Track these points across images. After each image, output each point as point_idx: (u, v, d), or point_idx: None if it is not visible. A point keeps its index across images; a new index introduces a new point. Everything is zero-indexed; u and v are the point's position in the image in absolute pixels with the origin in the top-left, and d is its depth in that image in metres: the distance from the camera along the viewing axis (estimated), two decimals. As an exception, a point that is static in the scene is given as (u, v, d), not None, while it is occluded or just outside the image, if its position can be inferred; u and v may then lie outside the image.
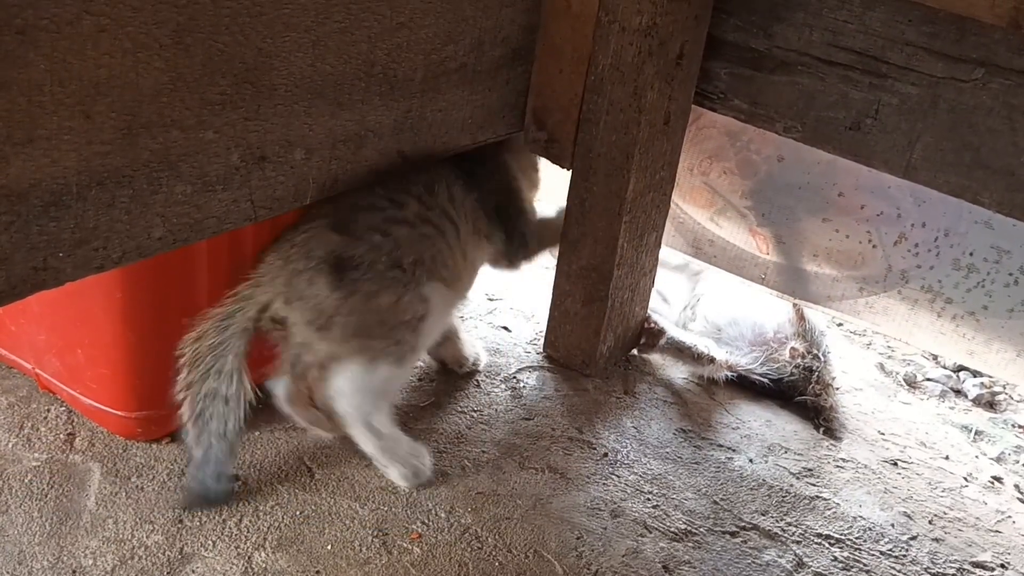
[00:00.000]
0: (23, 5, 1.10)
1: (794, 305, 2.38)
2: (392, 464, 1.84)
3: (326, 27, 1.50)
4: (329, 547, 1.69)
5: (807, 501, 2.00)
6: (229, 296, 1.72)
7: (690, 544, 1.83)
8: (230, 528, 1.69)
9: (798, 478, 2.06)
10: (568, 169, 2.09)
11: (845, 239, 2.25)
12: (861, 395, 2.46)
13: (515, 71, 1.99)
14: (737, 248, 2.42)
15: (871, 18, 1.88)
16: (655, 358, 2.38)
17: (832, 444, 2.21)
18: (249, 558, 1.64)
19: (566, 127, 2.05)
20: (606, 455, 2.02)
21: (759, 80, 2.05)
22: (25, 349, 1.89)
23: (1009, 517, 2.08)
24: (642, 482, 1.96)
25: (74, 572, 1.58)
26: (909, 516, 2.02)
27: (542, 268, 2.57)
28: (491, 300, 2.51)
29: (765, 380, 2.30)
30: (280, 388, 1.88)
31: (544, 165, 2.17)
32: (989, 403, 2.62)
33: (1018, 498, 2.17)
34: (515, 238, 2.07)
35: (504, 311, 2.48)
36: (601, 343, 2.20)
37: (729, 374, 2.32)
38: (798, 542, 1.88)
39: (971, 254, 2.10)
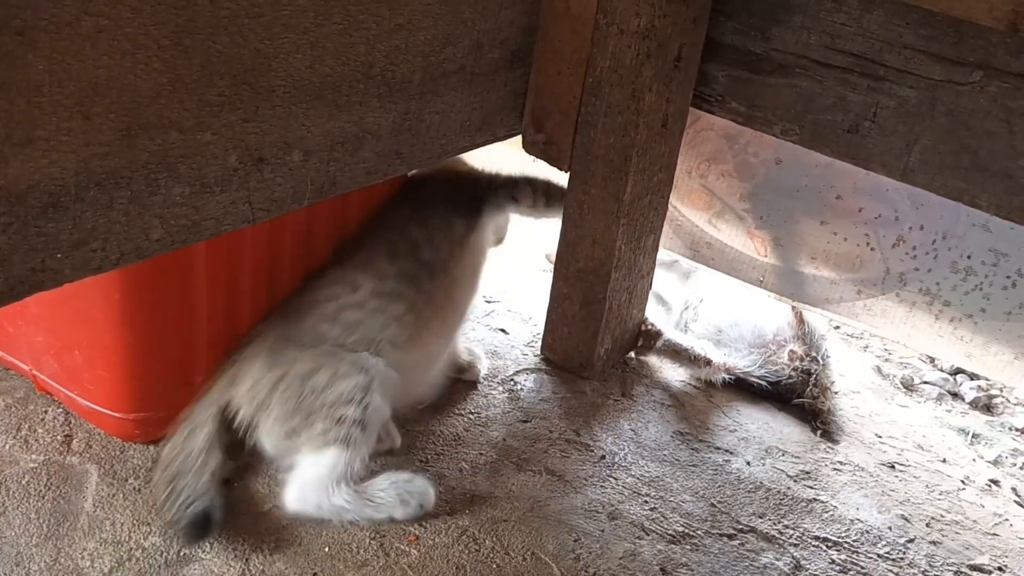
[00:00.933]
0: (22, 6, 1.10)
1: (793, 308, 2.38)
2: (381, 512, 1.78)
3: (325, 29, 1.50)
4: (327, 549, 1.69)
5: (804, 504, 2.00)
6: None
7: (688, 546, 1.83)
8: (227, 530, 1.69)
9: (795, 481, 2.06)
10: (566, 171, 2.09)
11: (843, 242, 2.25)
12: (858, 398, 2.46)
13: (513, 73, 1.99)
14: (735, 251, 2.41)
15: (869, 21, 1.88)
16: (652, 360, 2.38)
17: (829, 447, 2.21)
18: (247, 560, 1.64)
19: (564, 129, 2.05)
20: (603, 457, 2.02)
21: (757, 83, 2.05)
22: (23, 350, 1.89)
23: (1006, 520, 2.08)
24: (640, 484, 1.96)
25: (71, 574, 1.57)
26: (906, 519, 2.02)
27: (539, 270, 2.57)
28: (488, 302, 2.51)
29: (763, 382, 2.31)
30: None
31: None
32: (986, 406, 2.62)
33: (1015, 501, 2.17)
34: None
35: (502, 313, 2.48)
36: (599, 345, 2.20)
37: (727, 376, 2.32)
38: (795, 545, 1.88)
39: (969, 257, 2.10)
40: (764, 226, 2.34)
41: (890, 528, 1.98)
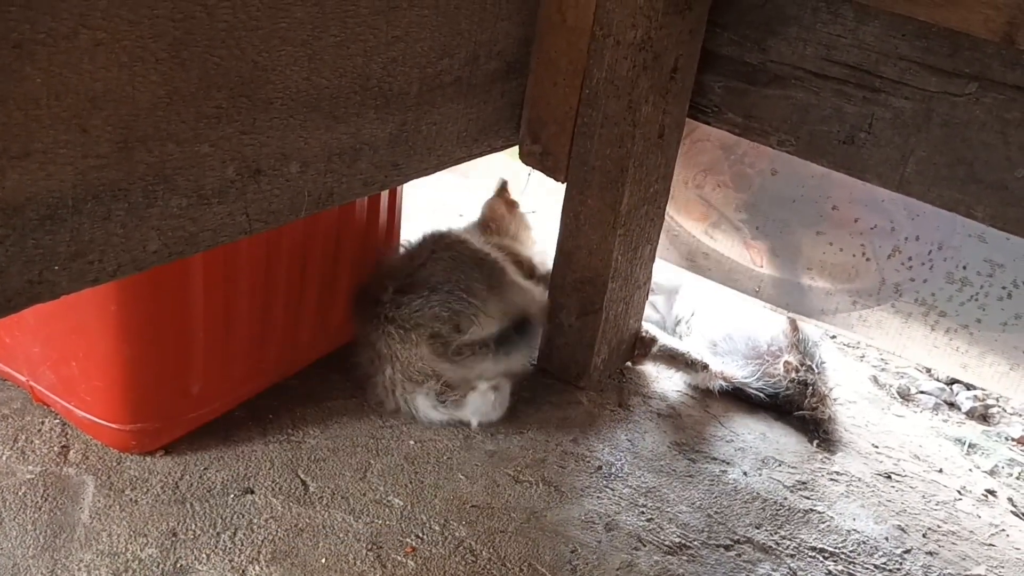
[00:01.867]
0: (20, 19, 1.10)
1: (788, 318, 2.38)
2: None
3: (322, 41, 1.50)
4: (323, 560, 1.68)
5: (801, 514, 2.00)
6: None
7: (684, 558, 1.83)
8: (224, 541, 1.69)
9: (792, 491, 2.06)
10: (563, 182, 2.10)
11: (839, 252, 2.25)
12: (855, 408, 2.46)
13: (510, 84, 2.00)
14: (732, 261, 2.42)
15: (865, 32, 1.89)
16: (649, 370, 2.38)
17: (826, 457, 2.21)
18: (243, 571, 1.64)
19: (561, 140, 2.05)
20: (600, 468, 2.02)
21: (753, 94, 2.06)
22: (20, 361, 1.89)
23: (1003, 531, 2.08)
24: (636, 495, 1.96)
25: (68, 585, 1.58)
26: (903, 529, 2.02)
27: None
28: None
29: (761, 394, 2.31)
30: None
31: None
32: (983, 416, 2.62)
33: (1012, 511, 2.17)
34: None
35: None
36: (595, 356, 2.20)
37: (724, 384, 2.32)
38: (792, 556, 1.88)
39: (964, 267, 2.11)
40: (760, 236, 2.35)
41: (887, 539, 1.98)
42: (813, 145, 2.02)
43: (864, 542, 1.96)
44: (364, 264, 2.14)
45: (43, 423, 1.88)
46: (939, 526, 2.05)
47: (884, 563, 1.91)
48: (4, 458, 1.79)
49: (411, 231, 2.29)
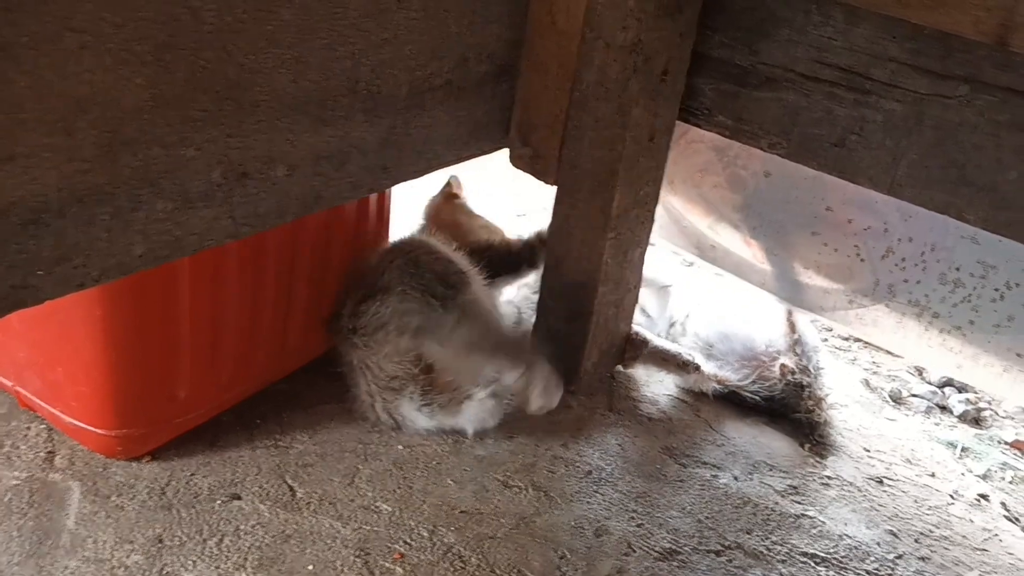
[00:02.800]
0: (3, 23, 1.09)
1: (787, 317, 2.37)
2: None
3: (309, 43, 1.49)
4: (310, 567, 1.67)
5: (792, 519, 1.99)
6: None
7: (675, 563, 1.82)
8: (211, 548, 1.68)
9: (783, 496, 2.06)
10: (553, 185, 2.09)
11: (834, 252, 2.25)
12: (846, 411, 2.45)
13: (500, 87, 1.99)
14: (737, 255, 2.42)
15: (856, 35, 1.88)
16: (640, 374, 2.37)
17: (817, 461, 2.20)
18: (230, 578, 1.63)
19: (551, 143, 2.04)
20: (590, 473, 2.01)
21: (744, 96, 2.05)
22: (5, 366, 1.87)
23: (996, 535, 2.07)
24: (626, 500, 1.95)
25: (52, 593, 1.56)
26: (895, 534, 2.01)
27: (522, 284, 2.55)
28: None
29: (756, 397, 2.30)
30: None
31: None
32: (975, 419, 2.61)
33: (1005, 516, 2.16)
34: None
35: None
36: (585, 359, 2.19)
37: (718, 387, 2.31)
38: (783, 561, 1.87)
39: (957, 269, 2.10)
40: (757, 236, 2.35)
41: (878, 544, 1.97)
42: (804, 148, 2.01)
43: (856, 547, 1.95)
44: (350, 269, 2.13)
45: (29, 428, 1.87)
46: (931, 531, 2.05)
47: (876, 569, 1.90)
48: (-11, 464, 1.78)
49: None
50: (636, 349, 2.32)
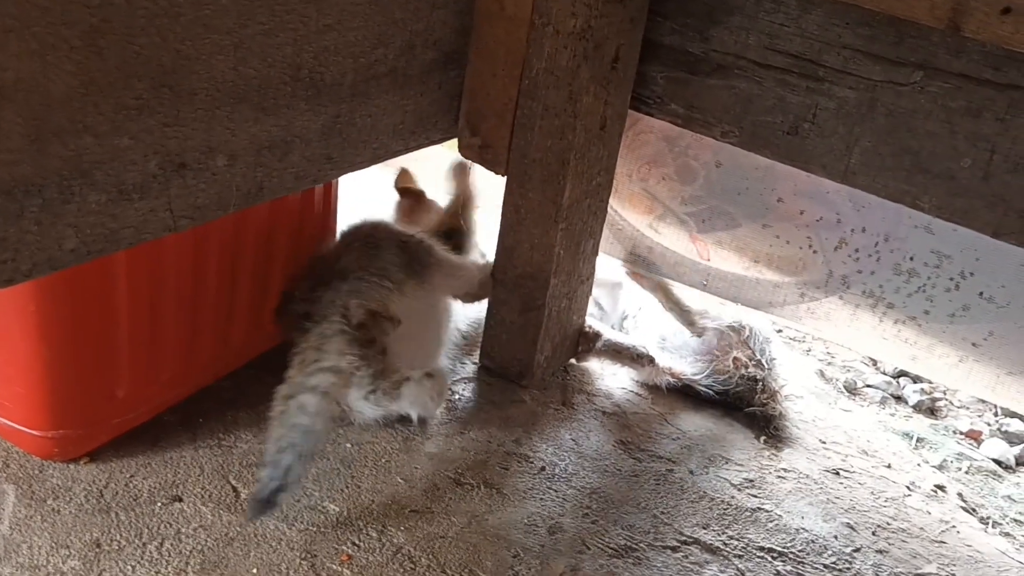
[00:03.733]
0: (-83, 5, 1.04)
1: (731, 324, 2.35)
2: None
3: (249, 29, 1.44)
4: (255, 571, 1.62)
5: (749, 513, 1.97)
6: None
7: (630, 560, 1.78)
8: (151, 552, 1.62)
9: (739, 489, 2.03)
10: (503, 175, 2.05)
11: (786, 245, 2.23)
12: (802, 403, 2.44)
13: (448, 75, 1.94)
14: (677, 255, 2.39)
15: (807, 21, 1.85)
16: (593, 367, 2.34)
17: (773, 454, 2.18)
18: (170, 584, 1.58)
19: (500, 132, 2.00)
20: (544, 469, 1.98)
21: (696, 84, 2.02)
22: (-65, 367, 1.81)
23: (953, 527, 2.06)
24: (581, 496, 1.92)
25: (-17, 602, 1.51)
26: (852, 527, 1.99)
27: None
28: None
29: (710, 391, 2.28)
30: None
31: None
32: (930, 409, 2.61)
33: (961, 507, 2.15)
34: None
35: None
36: (538, 353, 2.16)
37: (672, 380, 2.29)
38: (740, 556, 1.85)
39: (911, 259, 2.09)
40: (707, 229, 2.32)
41: (836, 537, 1.95)
42: (757, 136, 1.99)
43: (813, 541, 1.93)
44: (299, 261, 2.08)
45: (-40, 431, 1.81)
46: (889, 523, 2.03)
47: (834, 562, 1.88)
48: (-83, 469, 1.72)
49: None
50: (590, 342, 2.30)
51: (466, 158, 2.09)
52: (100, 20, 1.24)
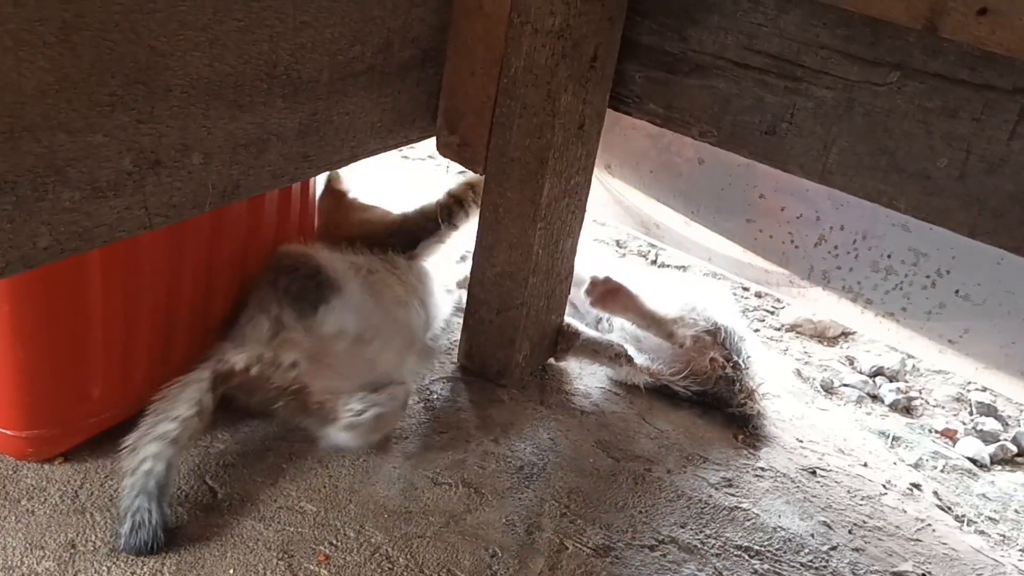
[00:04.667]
0: None
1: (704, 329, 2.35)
2: None
3: (224, 25, 1.43)
4: (231, 571, 1.61)
5: (726, 512, 1.97)
6: None
7: (608, 559, 1.78)
8: (127, 553, 1.61)
9: (717, 489, 2.03)
10: (481, 174, 2.05)
11: (769, 239, 2.25)
12: (779, 402, 2.44)
13: (426, 73, 1.94)
14: (679, 233, 2.41)
15: (785, 21, 1.86)
16: (572, 367, 2.34)
17: (751, 453, 2.18)
18: (146, 585, 1.57)
19: (479, 131, 2.00)
20: (522, 468, 1.97)
21: (674, 84, 2.02)
22: (-92, 366, 1.79)
23: (929, 525, 2.07)
24: (559, 496, 1.92)
25: (-44, 604, 1.49)
26: (829, 526, 2.00)
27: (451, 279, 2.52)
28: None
29: (688, 391, 2.28)
30: None
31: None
32: (906, 408, 2.62)
33: (937, 505, 2.16)
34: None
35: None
36: (517, 352, 2.15)
37: (650, 380, 2.29)
38: (718, 555, 1.85)
39: (889, 256, 2.11)
40: (696, 221, 2.33)
41: (812, 536, 1.96)
42: (735, 136, 1.99)
43: (790, 540, 1.93)
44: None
45: (-67, 431, 1.79)
46: (865, 521, 2.04)
47: (810, 561, 1.89)
48: None
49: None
50: (568, 341, 2.30)
51: (444, 156, 2.08)
52: (74, 16, 1.23)
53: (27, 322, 1.63)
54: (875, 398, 2.66)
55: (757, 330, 2.78)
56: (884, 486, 2.18)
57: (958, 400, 2.70)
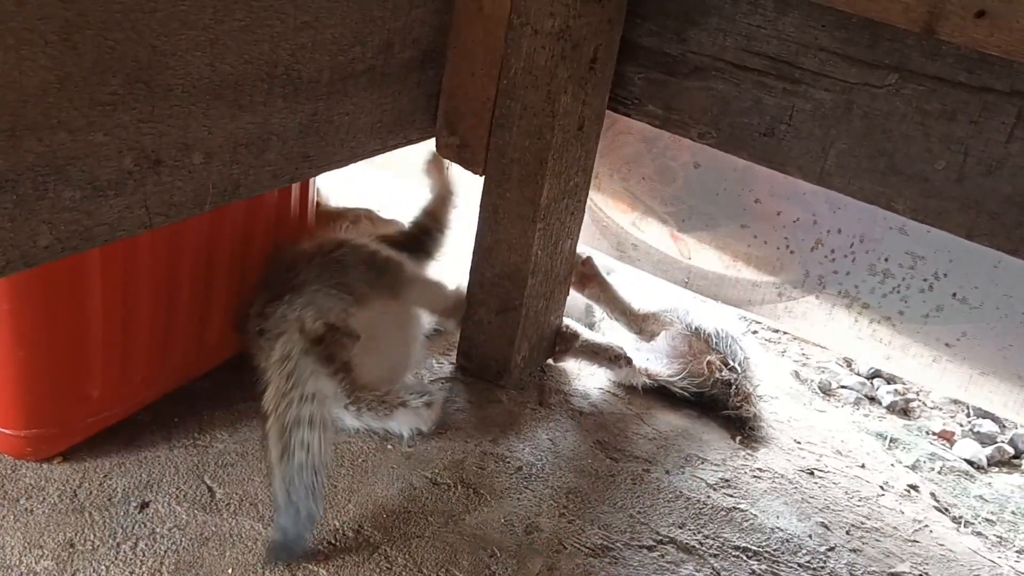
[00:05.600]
0: None
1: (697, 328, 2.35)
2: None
3: (225, 25, 1.44)
4: (230, 571, 1.61)
5: (724, 513, 1.97)
6: None
7: (607, 560, 1.79)
8: (125, 552, 1.61)
9: (715, 489, 2.04)
10: (481, 175, 2.05)
11: (763, 245, 2.24)
12: (777, 403, 2.45)
13: (426, 74, 1.94)
14: (660, 252, 2.40)
15: (784, 23, 1.86)
16: (571, 368, 2.34)
17: (749, 454, 2.19)
18: (145, 584, 1.57)
19: (478, 132, 2.00)
20: (520, 468, 1.98)
21: (673, 85, 2.03)
22: (-92, 365, 1.79)
23: (926, 526, 2.08)
24: (558, 496, 1.92)
25: (-45, 603, 1.49)
26: (827, 526, 2.00)
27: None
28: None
29: (686, 393, 2.28)
30: None
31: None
32: (903, 410, 2.63)
33: (934, 506, 2.17)
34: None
35: (417, 321, 2.42)
36: (515, 353, 2.16)
37: (648, 381, 2.29)
38: (716, 555, 1.85)
39: (886, 260, 2.11)
40: (687, 229, 2.33)
41: (810, 536, 1.96)
42: (734, 137, 1.99)
43: (788, 540, 1.94)
44: (256, 269, 2.06)
45: (-68, 430, 1.79)
46: (862, 523, 2.04)
47: (808, 561, 1.89)
48: None
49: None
50: (567, 343, 2.30)
51: (444, 157, 2.09)
52: (75, 15, 1.23)
53: (26, 321, 1.63)
54: (873, 400, 2.66)
55: (755, 332, 2.79)
56: (882, 487, 2.19)
57: (956, 402, 2.70)
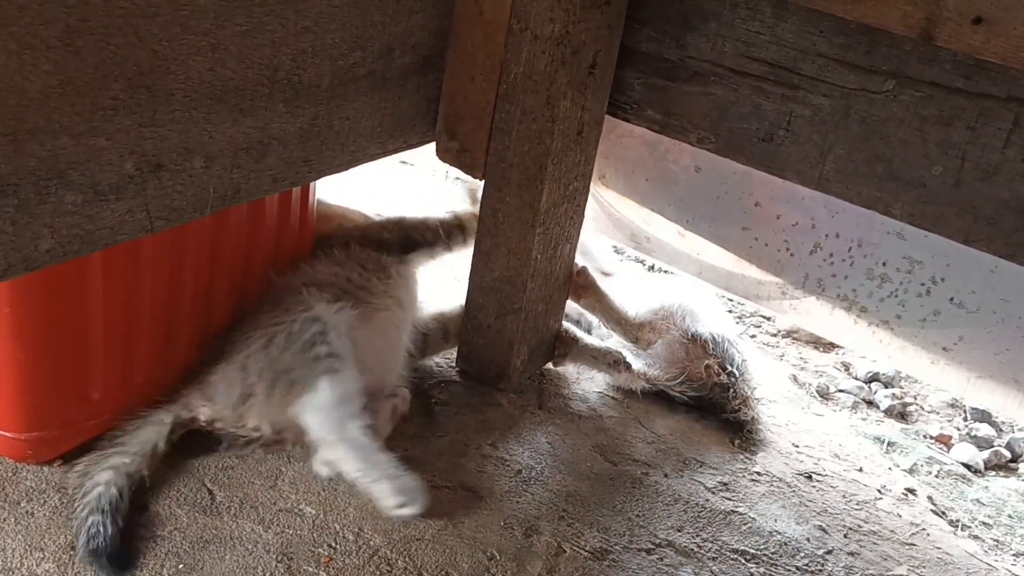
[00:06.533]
0: None
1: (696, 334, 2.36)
2: (379, 480, 1.81)
3: (226, 30, 1.44)
4: (231, 574, 1.62)
5: (723, 516, 1.98)
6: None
7: (606, 563, 1.79)
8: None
9: (713, 493, 2.04)
10: (480, 179, 2.06)
11: (764, 247, 2.25)
12: (775, 407, 2.45)
13: (426, 78, 1.95)
14: (671, 246, 2.42)
15: (783, 29, 1.87)
16: (570, 371, 2.35)
17: (747, 457, 2.19)
18: (146, 586, 1.57)
19: (478, 136, 2.01)
20: (520, 472, 1.98)
21: (672, 90, 2.03)
22: (-91, 368, 1.79)
23: (923, 530, 2.08)
24: (557, 499, 1.93)
25: (-43, 605, 1.50)
26: (824, 530, 2.01)
27: (454, 280, 2.52)
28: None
29: (684, 397, 2.29)
30: None
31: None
32: (901, 414, 2.63)
33: (932, 510, 2.18)
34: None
35: (416, 325, 2.43)
36: (515, 357, 2.16)
37: (647, 385, 2.30)
38: (714, 558, 1.86)
39: (884, 264, 2.11)
40: (691, 229, 2.34)
41: (808, 539, 1.97)
42: (733, 143, 2.00)
43: (786, 543, 1.94)
44: (276, 265, 2.07)
45: (-66, 432, 1.79)
46: (860, 526, 2.05)
47: (806, 564, 1.90)
48: None
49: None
50: (566, 347, 2.31)
51: (443, 162, 2.09)
52: (77, 20, 1.23)
53: (28, 325, 1.64)
54: (870, 404, 2.67)
55: (753, 336, 2.79)
56: (879, 491, 2.19)
57: (953, 406, 2.71)
